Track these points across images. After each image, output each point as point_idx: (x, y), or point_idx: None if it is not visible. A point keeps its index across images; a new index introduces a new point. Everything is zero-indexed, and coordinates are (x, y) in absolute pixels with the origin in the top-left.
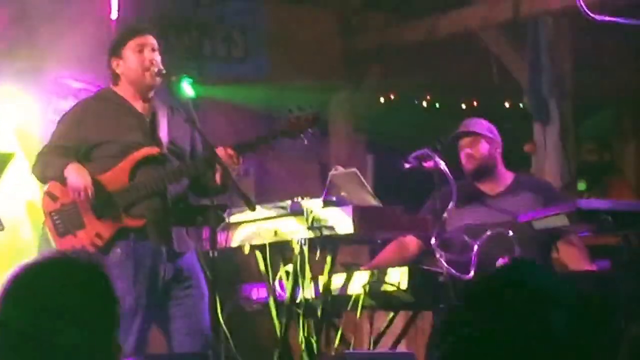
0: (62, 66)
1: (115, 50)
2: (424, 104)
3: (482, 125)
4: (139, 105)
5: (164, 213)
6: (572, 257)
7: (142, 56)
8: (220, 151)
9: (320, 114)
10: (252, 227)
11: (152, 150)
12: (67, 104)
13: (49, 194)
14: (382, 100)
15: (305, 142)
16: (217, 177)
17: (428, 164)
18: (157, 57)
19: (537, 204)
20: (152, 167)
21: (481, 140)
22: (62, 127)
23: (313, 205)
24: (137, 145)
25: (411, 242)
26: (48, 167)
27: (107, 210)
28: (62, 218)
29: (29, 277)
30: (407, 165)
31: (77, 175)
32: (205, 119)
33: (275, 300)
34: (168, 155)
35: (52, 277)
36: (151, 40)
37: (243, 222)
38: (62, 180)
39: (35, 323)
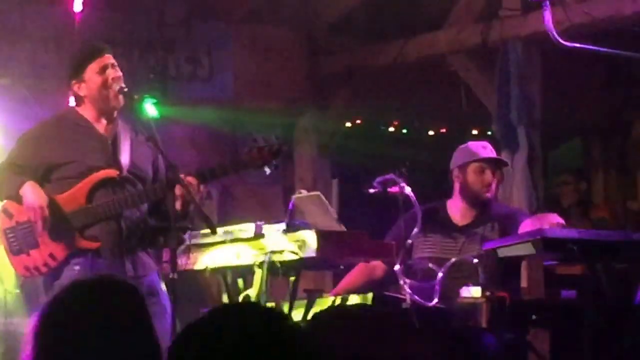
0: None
1: (76, 73)
2: (391, 129)
3: None
4: (101, 127)
5: (119, 237)
6: None
7: (105, 76)
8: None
9: (286, 145)
10: (214, 249)
11: (111, 172)
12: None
13: (5, 211)
14: (348, 124)
15: (268, 172)
16: (178, 204)
17: (393, 189)
18: (119, 73)
19: (503, 233)
20: (111, 190)
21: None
22: (21, 145)
23: (276, 228)
24: (97, 167)
25: (378, 265)
26: (4, 184)
27: (62, 231)
28: (17, 236)
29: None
30: (371, 191)
31: (32, 194)
32: (168, 139)
33: None
34: (129, 178)
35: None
36: (110, 59)
37: (204, 245)
38: (18, 199)
39: None
